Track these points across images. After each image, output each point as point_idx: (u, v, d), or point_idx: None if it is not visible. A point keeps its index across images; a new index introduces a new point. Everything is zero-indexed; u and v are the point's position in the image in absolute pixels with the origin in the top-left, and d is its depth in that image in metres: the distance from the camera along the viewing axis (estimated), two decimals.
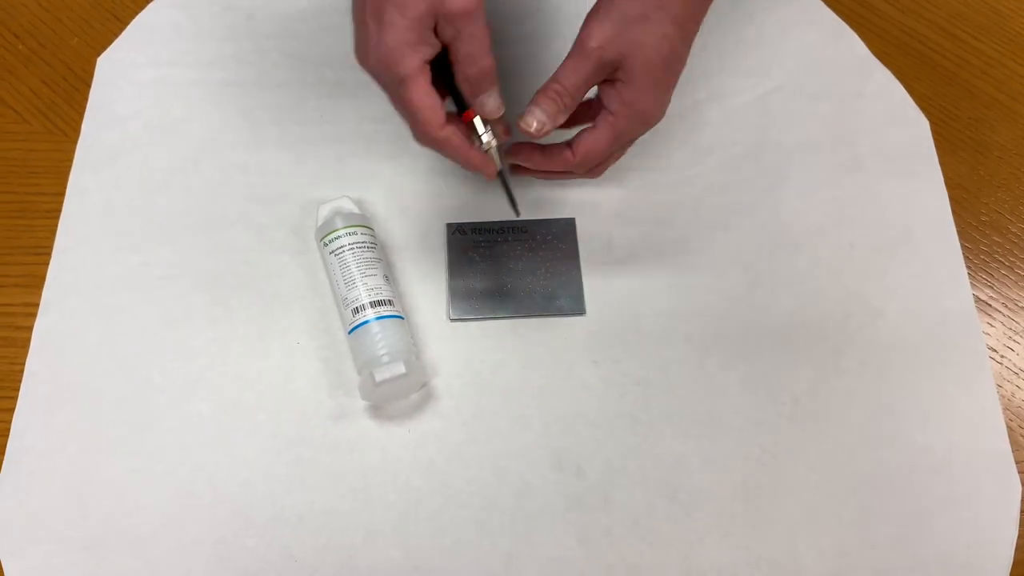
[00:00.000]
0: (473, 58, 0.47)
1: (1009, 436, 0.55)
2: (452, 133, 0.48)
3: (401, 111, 0.49)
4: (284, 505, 0.52)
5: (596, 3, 0.50)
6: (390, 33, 0.45)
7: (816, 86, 0.67)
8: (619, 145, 0.53)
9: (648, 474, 0.54)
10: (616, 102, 0.50)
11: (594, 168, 0.55)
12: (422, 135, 0.49)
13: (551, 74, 0.50)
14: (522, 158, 0.54)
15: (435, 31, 0.46)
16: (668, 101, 0.51)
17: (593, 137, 0.51)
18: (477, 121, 0.50)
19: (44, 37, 0.69)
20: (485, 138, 0.50)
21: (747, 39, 0.69)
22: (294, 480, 0.53)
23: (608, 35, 0.48)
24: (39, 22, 0.70)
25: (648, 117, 0.51)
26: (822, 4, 0.71)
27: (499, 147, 0.51)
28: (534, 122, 0.50)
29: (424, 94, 0.47)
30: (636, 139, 0.54)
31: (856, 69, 0.68)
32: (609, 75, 0.50)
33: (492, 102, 0.49)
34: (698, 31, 0.51)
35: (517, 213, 0.54)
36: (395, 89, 0.47)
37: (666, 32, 0.49)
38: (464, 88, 0.49)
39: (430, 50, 0.47)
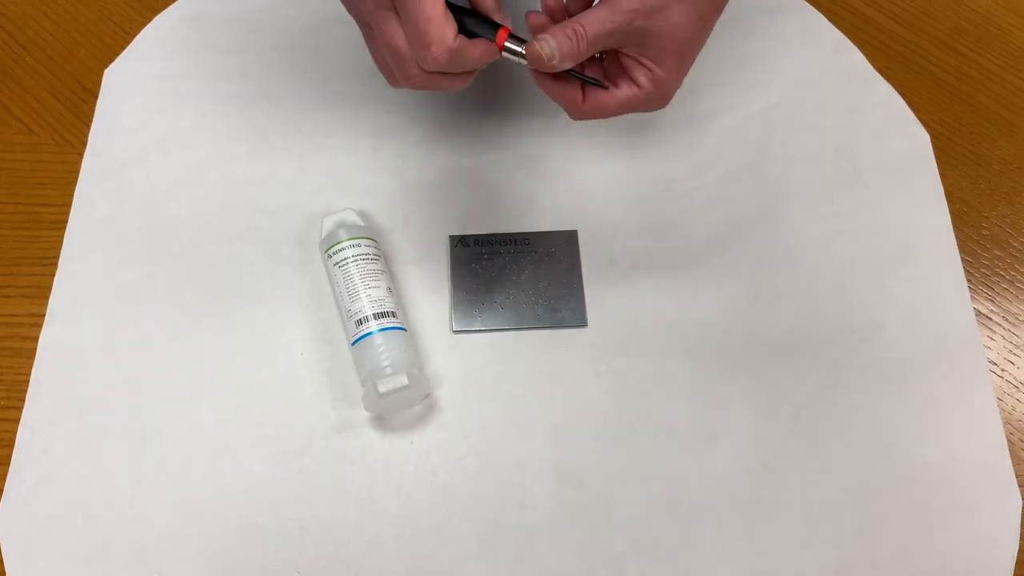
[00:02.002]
0: None
1: (1010, 450, 0.55)
2: (464, 41, 0.46)
3: (400, 35, 0.46)
4: (287, 516, 0.53)
5: None
6: None
7: (817, 100, 0.67)
8: (624, 112, 0.51)
9: (650, 487, 0.54)
10: (645, 77, 0.49)
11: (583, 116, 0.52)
12: (435, 52, 0.45)
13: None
14: (537, 70, 0.50)
15: None
16: (686, 72, 0.50)
17: (611, 99, 0.49)
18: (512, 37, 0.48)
19: (52, 49, 0.70)
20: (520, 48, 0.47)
21: (749, 53, 0.70)
22: (298, 491, 0.53)
23: (644, 2, 0.46)
24: (47, 35, 0.70)
25: (668, 97, 0.50)
26: (823, 18, 0.72)
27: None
28: (547, 49, 0.46)
29: (435, 3, 0.44)
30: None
31: (857, 83, 0.69)
32: (630, 46, 0.48)
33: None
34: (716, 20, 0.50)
35: (605, 86, 0.50)
36: (399, 5, 0.44)
37: (689, 12, 0.47)
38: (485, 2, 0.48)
39: None
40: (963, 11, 0.73)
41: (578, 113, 0.51)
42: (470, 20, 0.47)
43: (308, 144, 0.65)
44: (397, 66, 0.47)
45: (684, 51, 0.49)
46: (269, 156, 0.64)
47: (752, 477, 0.54)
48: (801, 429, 0.56)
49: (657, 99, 0.50)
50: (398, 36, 0.46)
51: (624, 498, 0.54)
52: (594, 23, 0.47)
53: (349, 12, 0.50)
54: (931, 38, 0.72)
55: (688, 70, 0.50)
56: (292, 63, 0.68)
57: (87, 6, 0.72)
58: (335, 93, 0.67)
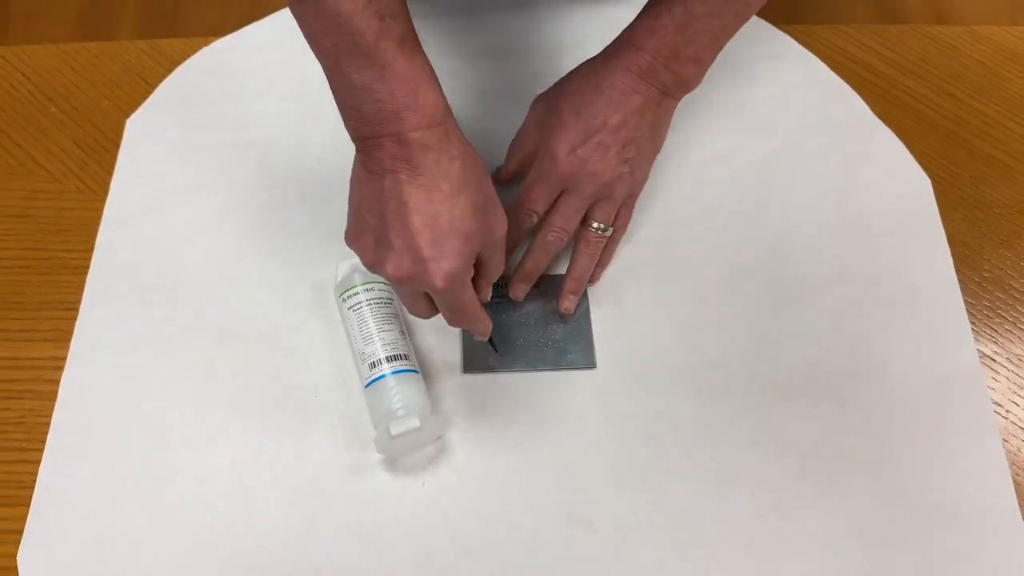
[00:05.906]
0: (501, 263, 0.54)
1: (1016, 491, 0.55)
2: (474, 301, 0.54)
3: (435, 307, 0.53)
4: (300, 558, 0.53)
5: None
6: (450, 262, 0.47)
7: (819, 145, 0.69)
8: (554, 191, 0.59)
9: (658, 530, 0.54)
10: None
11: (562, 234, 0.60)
12: (464, 317, 0.53)
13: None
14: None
15: None
16: (588, 150, 0.57)
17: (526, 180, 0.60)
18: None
19: (76, 100, 0.72)
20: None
21: (751, 100, 0.71)
22: (311, 533, 0.54)
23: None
24: (72, 86, 0.73)
25: (555, 159, 0.57)
26: (824, 66, 0.73)
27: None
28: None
29: (472, 294, 0.52)
30: (592, 196, 0.58)
31: (859, 129, 0.70)
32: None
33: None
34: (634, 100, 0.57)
35: (496, 350, 0.59)
36: (440, 296, 0.50)
37: (580, 85, 0.58)
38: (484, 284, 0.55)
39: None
40: (961, 58, 0.75)
41: (520, 208, 0.60)
42: None
43: (323, 191, 0.66)
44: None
45: (562, 111, 0.58)
46: (285, 203, 0.66)
47: (761, 519, 0.55)
48: (808, 471, 0.56)
49: (546, 159, 0.58)
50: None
51: (634, 540, 0.54)
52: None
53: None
54: (930, 85, 0.74)
55: (582, 131, 0.57)
56: (307, 112, 0.70)
57: (110, 58, 0.74)
58: (349, 141, 0.69)
